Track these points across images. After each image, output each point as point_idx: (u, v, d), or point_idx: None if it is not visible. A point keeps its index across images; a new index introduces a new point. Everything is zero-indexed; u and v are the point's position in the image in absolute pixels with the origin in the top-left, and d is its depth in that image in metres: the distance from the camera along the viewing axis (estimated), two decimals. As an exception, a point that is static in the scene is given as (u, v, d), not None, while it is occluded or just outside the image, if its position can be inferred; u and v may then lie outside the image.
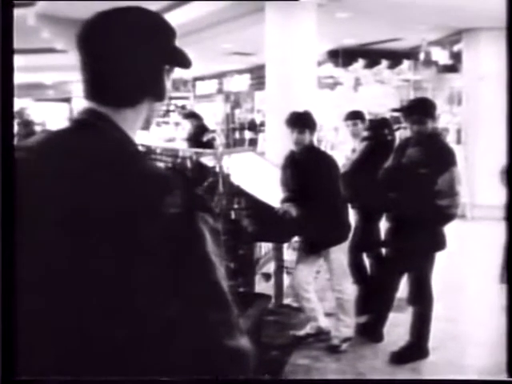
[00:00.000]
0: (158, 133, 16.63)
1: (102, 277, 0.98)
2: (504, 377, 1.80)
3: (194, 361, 1.01)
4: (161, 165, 4.06)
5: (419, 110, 3.77)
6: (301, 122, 3.96)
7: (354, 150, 4.70)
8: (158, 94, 1.16)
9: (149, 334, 0.99)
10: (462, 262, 6.05)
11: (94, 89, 1.11)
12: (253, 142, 14.18)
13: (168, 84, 1.17)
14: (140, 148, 1.17)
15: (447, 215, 3.66)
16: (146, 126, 1.17)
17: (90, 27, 1.11)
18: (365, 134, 4.67)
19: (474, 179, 8.24)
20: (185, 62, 1.19)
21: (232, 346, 1.02)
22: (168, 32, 1.15)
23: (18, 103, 16.54)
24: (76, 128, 1.11)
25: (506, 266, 3.50)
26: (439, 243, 3.72)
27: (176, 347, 0.99)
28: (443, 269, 4.20)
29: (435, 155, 3.69)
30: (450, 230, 3.85)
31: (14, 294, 1.09)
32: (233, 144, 15.16)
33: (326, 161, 4.04)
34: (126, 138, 1.09)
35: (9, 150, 1.27)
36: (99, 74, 1.10)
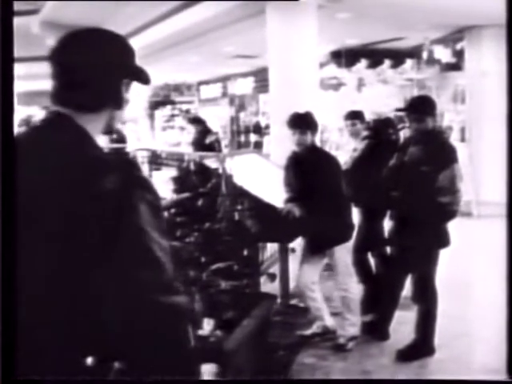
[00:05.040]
0: (163, 137, 16.71)
1: (61, 243, 1.18)
2: (504, 377, 1.81)
3: (129, 317, 1.15)
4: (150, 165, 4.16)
5: (417, 108, 3.78)
6: (302, 122, 3.98)
7: (354, 150, 4.71)
8: (117, 104, 1.35)
9: (90, 293, 1.15)
10: (467, 260, 6.04)
11: (60, 95, 1.32)
12: (258, 145, 14.22)
13: (127, 95, 1.37)
14: (96, 142, 1.33)
15: (449, 212, 3.66)
16: (108, 129, 1.36)
17: (62, 44, 1.32)
18: (365, 133, 4.69)
19: (479, 176, 8.22)
20: (142, 78, 1.39)
21: (164, 302, 1.17)
22: (126, 51, 1.37)
23: (25, 111, 16.64)
24: (45, 126, 1.30)
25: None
26: (443, 240, 3.73)
27: (112, 304, 1.15)
28: (449, 266, 4.20)
29: (436, 153, 3.69)
30: (455, 227, 3.85)
31: (14, 294, 1.19)
32: (238, 147, 15.20)
33: (328, 160, 4.06)
34: (85, 135, 1.28)
35: (9, 151, 1.35)
36: (67, 83, 1.31)
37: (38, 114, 16.29)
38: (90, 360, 1.17)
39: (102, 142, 1.38)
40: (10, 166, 1.32)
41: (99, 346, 1.18)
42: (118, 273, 1.15)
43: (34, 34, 9.97)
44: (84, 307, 1.16)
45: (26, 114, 15.86)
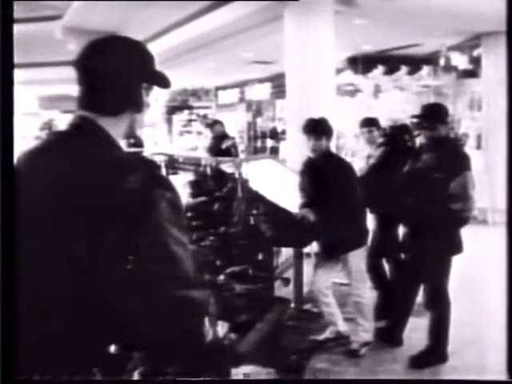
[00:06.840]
0: (180, 142, 16.82)
1: (86, 239, 1.23)
2: (504, 377, 1.81)
3: (145, 309, 1.20)
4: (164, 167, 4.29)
5: (429, 116, 3.80)
6: (317, 128, 4.01)
7: (369, 157, 4.73)
8: (137, 107, 1.42)
9: (111, 286, 1.20)
10: (482, 267, 6.01)
11: (85, 99, 1.39)
12: (274, 150, 14.26)
13: (147, 100, 1.44)
14: (119, 144, 1.40)
15: (461, 219, 3.67)
16: (130, 133, 1.43)
17: (85, 50, 1.40)
18: (381, 140, 4.70)
19: (495, 184, 8.16)
20: (162, 82, 1.46)
21: (178, 295, 1.21)
22: (146, 57, 1.43)
23: (46, 115, 16.87)
24: (72, 130, 1.38)
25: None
26: (455, 247, 3.73)
27: (130, 299, 1.20)
28: (464, 273, 4.19)
29: (448, 160, 3.70)
30: (471, 234, 3.85)
31: (14, 294, 1.23)
32: (254, 152, 15.25)
33: (342, 166, 4.09)
34: (108, 137, 1.36)
35: (9, 154, 1.43)
36: (90, 88, 1.39)
37: (58, 117, 16.53)
38: (112, 348, 1.22)
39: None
40: (10, 173, 1.40)
41: (117, 336, 1.23)
42: (136, 266, 1.20)
43: (56, 40, 10.12)
44: (104, 298, 1.20)
45: (47, 117, 16.11)
